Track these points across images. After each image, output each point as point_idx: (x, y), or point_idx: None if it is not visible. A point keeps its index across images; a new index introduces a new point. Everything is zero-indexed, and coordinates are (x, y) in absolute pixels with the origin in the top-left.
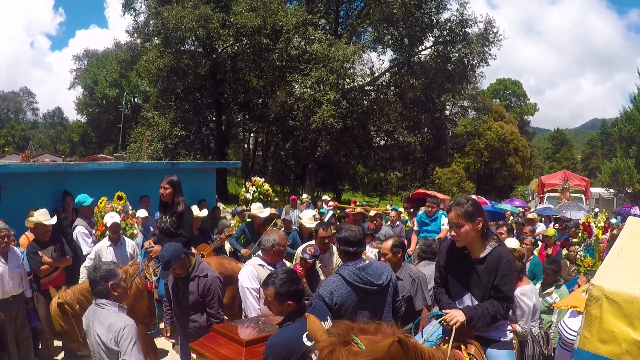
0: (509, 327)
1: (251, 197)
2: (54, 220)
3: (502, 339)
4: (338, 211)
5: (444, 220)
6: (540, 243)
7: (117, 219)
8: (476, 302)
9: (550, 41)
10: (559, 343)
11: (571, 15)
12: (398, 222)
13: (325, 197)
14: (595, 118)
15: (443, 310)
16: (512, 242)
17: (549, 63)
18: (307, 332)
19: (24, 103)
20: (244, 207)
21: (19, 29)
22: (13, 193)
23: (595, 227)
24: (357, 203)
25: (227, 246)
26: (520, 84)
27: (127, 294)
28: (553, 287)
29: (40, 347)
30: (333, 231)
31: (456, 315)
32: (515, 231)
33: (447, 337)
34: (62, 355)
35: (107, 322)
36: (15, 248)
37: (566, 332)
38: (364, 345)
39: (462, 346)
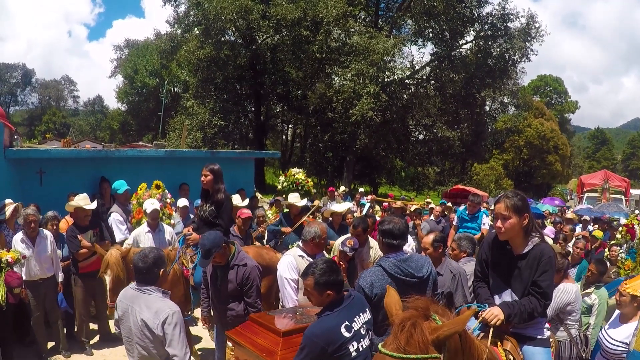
0: (546, 325)
1: (285, 187)
2: (94, 205)
3: (538, 337)
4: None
5: (485, 220)
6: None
7: (157, 206)
8: (516, 298)
9: (594, 36)
10: (600, 352)
11: (617, 9)
12: (441, 219)
13: (361, 189)
14: (637, 118)
15: (482, 310)
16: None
17: (592, 59)
18: (345, 323)
19: (65, 91)
20: (280, 197)
21: (58, 18)
22: (54, 178)
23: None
24: (394, 197)
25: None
26: (562, 80)
27: (166, 279)
28: (593, 288)
29: (75, 329)
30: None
31: (497, 314)
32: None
33: (484, 332)
34: (97, 338)
35: (154, 307)
36: (47, 232)
37: (607, 340)
38: (441, 323)
39: (498, 342)
